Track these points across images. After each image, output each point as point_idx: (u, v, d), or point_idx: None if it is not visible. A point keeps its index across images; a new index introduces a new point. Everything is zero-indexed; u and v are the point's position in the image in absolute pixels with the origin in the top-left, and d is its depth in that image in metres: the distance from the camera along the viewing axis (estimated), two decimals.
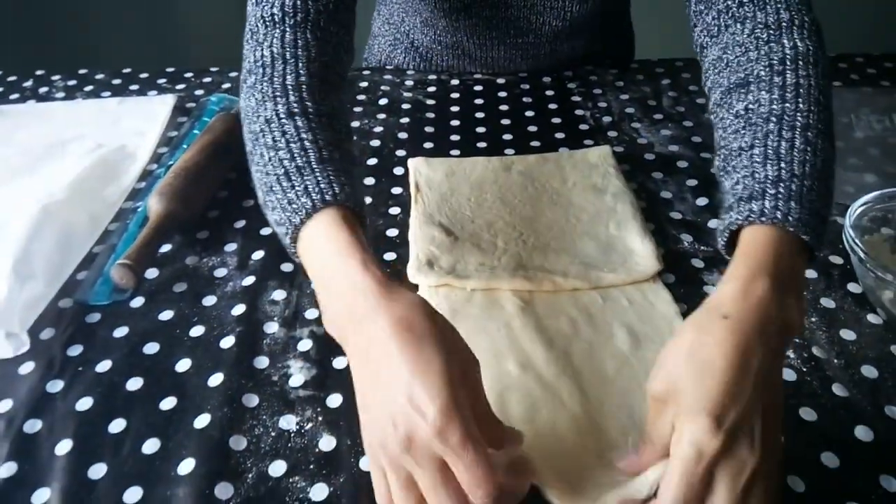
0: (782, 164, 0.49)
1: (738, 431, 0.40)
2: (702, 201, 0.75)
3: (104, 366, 0.59)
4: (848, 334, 0.60)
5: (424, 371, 0.41)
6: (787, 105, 0.52)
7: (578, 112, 0.90)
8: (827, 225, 0.49)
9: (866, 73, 0.98)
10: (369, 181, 0.79)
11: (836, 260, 0.67)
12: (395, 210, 0.75)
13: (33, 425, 0.54)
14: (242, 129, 0.59)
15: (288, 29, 0.59)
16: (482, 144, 0.84)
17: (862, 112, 0.88)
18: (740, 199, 0.49)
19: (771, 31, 0.57)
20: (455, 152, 0.82)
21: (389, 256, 0.69)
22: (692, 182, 0.78)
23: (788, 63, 0.54)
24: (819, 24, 0.58)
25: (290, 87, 0.56)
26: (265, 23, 0.60)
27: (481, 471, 0.40)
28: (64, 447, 0.52)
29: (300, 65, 0.58)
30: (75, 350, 0.60)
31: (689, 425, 0.41)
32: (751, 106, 0.54)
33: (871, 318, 0.61)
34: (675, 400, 0.42)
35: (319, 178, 0.51)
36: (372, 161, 0.81)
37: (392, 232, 0.72)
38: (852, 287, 0.64)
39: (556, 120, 0.88)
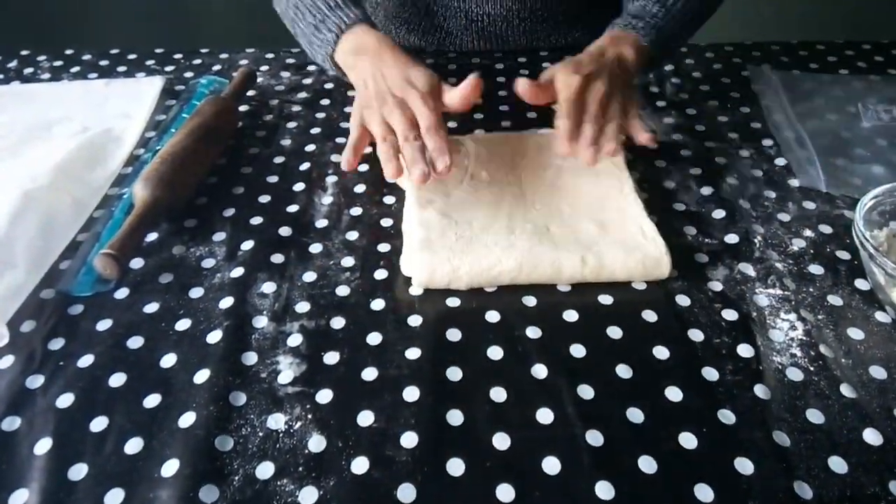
0: (663, 10, 0.78)
1: (592, 77, 0.69)
2: (706, 190, 0.73)
3: (86, 360, 0.56)
4: (856, 333, 0.58)
5: (418, 65, 0.71)
6: None
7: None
8: (669, 52, 0.84)
9: (874, 60, 0.95)
10: (363, 168, 0.77)
11: (844, 255, 0.65)
12: (389, 199, 0.72)
13: (12, 423, 0.52)
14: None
15: None
16: (479, 131, 0.81)
17: (869, 101, 0.86)
18: (628, 15, 0.78)
19: None
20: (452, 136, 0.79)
21: (384, 247, 0.67)
22: (696, 171, 0.76)
23: None
24: None
25: None
26: None
27: (445, 141, 0.66)
28: (43, 446, 0.50)
29: None
30: (56, 343, 0.58)
31: (560, 78, 0.69)
32: None
33: (880, 315, 0.59)
34: (549, 70, 0.71)
35: (335, 17, 0.77)
36: (366, 150, 0.79)
37: (386, 222, 0.70)
38: (860, 283, 0.62)
39: (532, 115, 0.86)
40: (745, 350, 0.56)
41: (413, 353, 0.56)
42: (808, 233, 0.68)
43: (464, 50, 1.00)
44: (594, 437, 0.50)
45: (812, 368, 0.55)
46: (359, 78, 0.74)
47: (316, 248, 0.67)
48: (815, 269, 0.64)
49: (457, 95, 0.69)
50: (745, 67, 0.94)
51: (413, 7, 0.99)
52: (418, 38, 1.02)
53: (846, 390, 0.53)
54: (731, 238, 0.67)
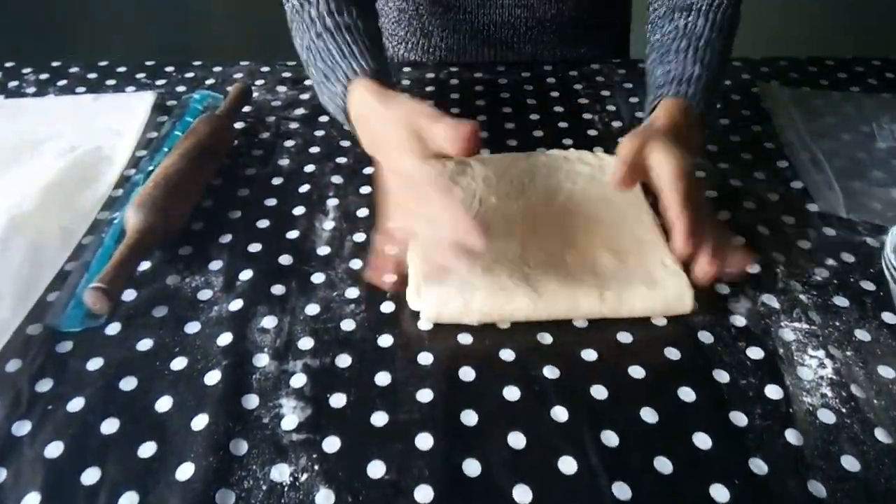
0: (704, 70, 0.70)
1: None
2: (723, 215, 0.70)
3: (76, 404, 0.53)
4: (887, 371, 0.55)
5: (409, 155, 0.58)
6: (713, 35, 0.73)
7: (586, 116, 0.85)
8: (713, 111, 0.77)
9: (885, 77, 0.93)
10: (365, 190, 0.74)
11: (868, 286, 0.63)
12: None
13: None
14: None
15: None
16: (485, 151, 0.78)
17: (883, 121, 0.84)
18: (672, 81, 0.69)
19: None
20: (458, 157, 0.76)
21: (390, 276, 0.63)
22: (711, 193, 0.73)
23: (721, 9, 0.74)
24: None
25: (315, 16, 0.72)
26: None
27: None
28: (31, 501, 0.47)
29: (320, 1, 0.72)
30: (45, 385, 0.54)
31: (663, 150, 0.59)
32: (690, 24, 0.74)
33: None
34: (642, 135, 0.61)
35: (344, 68, 0.67)
36: (368, 170, 0.76)
37: (391, 249, 0.66)
38: (887, 317, 0.60)
39: (563, 124, 0.83)
40: (773, 391, 0.54)
41: (425, 395, 0.53)
42: (830, 261, 0.65)
43: (468, 60, 0.97)
44: (621, 490, 0.47)
45: (844, 410, 0.53)
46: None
47: (318, 277, 0.63)
48: (840, 300, 0.61)
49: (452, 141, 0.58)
50: (754, 84, 0.91)
51: (409, 26, 0.97)
52: (417, 56, 0.99)
53: (881, 435, 0.51)
54: (752, 268, 0.64)
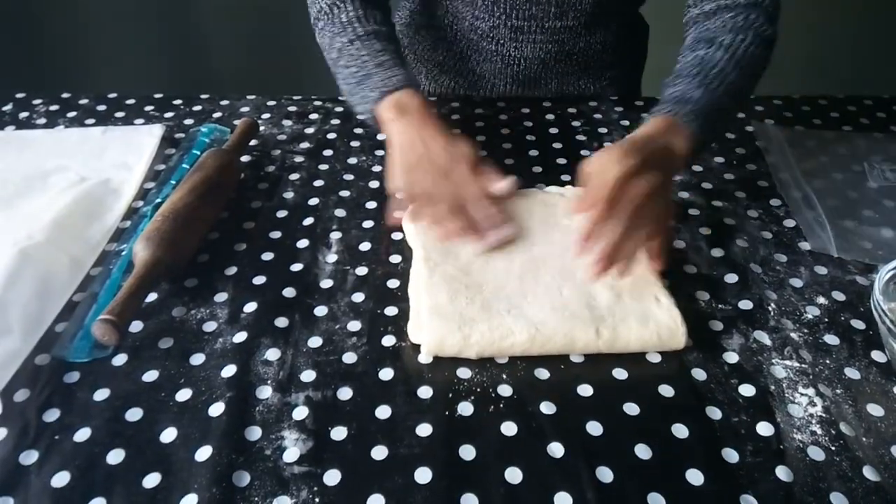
0: (706, 95, 0.71)
1: (633, 172, 0.62)
2: (717, 252, 0.72)
3: (83, 434, 0.54)
4: (875, 409, 0.57)
5: (460, 138, 0.72)
6: (729, 66, 0.74)
7: (584, 152, 0.87)
8: (712, 138, 0.78)
9: (876, 116, 0.95)
10: (368, 224, 0.75)
11: (858, 325, 0.64)
12: (395, 258, 0.71)
13: (4, 503, 0.50)
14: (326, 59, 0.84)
15: None
16: None
17: (874, 160, 0.86)
18: (670, 100, 0.71)
19: (747, 24, 0.78)
20: None
21: (391, 311, 0.65)
22: (705, 231, 0.75)
23: (744, 46, 0.76)
24: (776, 37, 0.80)
25: (346, 21, 0.81)
26: None
27: (493, 211, 0.69)
28: None
29: (349, 5, 0.81)
30: (52, 415, 0.56)
31: (596, 166, 0.63)
32: (707, 55, 0.75)
33: None
34: (590, 160, 0.65)
35: (381, 77, 0.76)
36: (371, 204, 0.78)
37: (393, 283, 0.68)
38: (876, 355, 0.61)
39: (562, 160, 0.85)
40: (764, 428, 0.55)
41: (424, 430, 0.54)
42: (821, 300, 0.67)
43: (494, 93, 1.00)
44: None
45: (833, 448, 0.54)
46: (400, 137, 0.72)
47: (321, 310, 0.65)
48: (831, 339, 0.63)
49: (500, 186, 0.70)
50: (748, 122, 0.93)
51: (447, 51, 0.99)
52: (450, 79, 1.01)
53: (869, 473, 0.52)
54: (745, 304, 0.66)
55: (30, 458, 0.52)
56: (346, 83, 0.79)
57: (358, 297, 0.66)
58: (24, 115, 0.93)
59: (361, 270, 0.69)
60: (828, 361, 0.61)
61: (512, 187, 0.70)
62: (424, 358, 0.60)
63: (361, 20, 0.80)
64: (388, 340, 0.62)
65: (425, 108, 0.74)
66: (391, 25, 0.84)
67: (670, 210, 0.69)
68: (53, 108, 0.94)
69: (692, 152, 0.69)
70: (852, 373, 0.60)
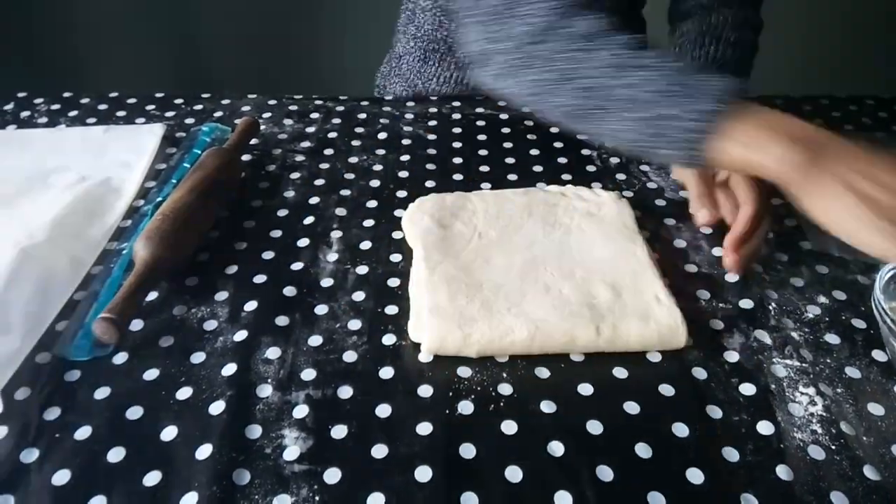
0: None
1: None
2: (717, 251, 0.72)
3: (84, 432, 0.54)
4: (876, 409, 0.57)
5: None
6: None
7: (585, 152, 0.87)
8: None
9: (878, 116, 0.95)
10: (368, 223, 0.75)
11: (859, 324, 0.64)
12: (396, 257, 0.71)
13: (5, 501, 0.50)
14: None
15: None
16: (486, 185, 0.80)
17: None
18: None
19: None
20: (458, 192, 0.78)
21: (391, 310, 0.65)
22: (706, 229, 0.75)
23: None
24: (762, 23, 0.88)
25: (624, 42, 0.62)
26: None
27: None
28: None
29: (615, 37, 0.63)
30: (53, 413, 0.56)
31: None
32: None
33: None
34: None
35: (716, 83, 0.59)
36: (371, 203, 0.78)
37: (393, 282, 0.68)
38: (877, 354, 0.61)
39: (563, 160, 0.85)
40: (765, 427, 0.55)
41: (424, 429, 0.54)
42: (822, 299, 0.67)
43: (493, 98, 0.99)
44: None
45: (833, 447, 0.54)
46: (840, 188, 0.55)
47: (322, 309, 0.65)
48: (832, 338, 0.63)
49: None
50: None
51: (441, 63, 0.99)
52: (450, 88, 1.01)
53: (869, 472, 0.52)
54: (746, 303, 0.66)
55: (30, 456, 0.52)
56: (637, 109, 0.60)
57: (358, 296, 0.66)
58: (25, 114, 0.93)
59: (362, 269, 0.69)
60: (828, 360, 0.61)
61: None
62: (425, 357, 0.60)
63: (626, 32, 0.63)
64: (389, 339, 0.62)
65: (808, 124, 0.58)
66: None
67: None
68: (55, 107, 0.94)
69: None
70: (853, 372, 0.60)
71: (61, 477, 0.51)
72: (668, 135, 0.59)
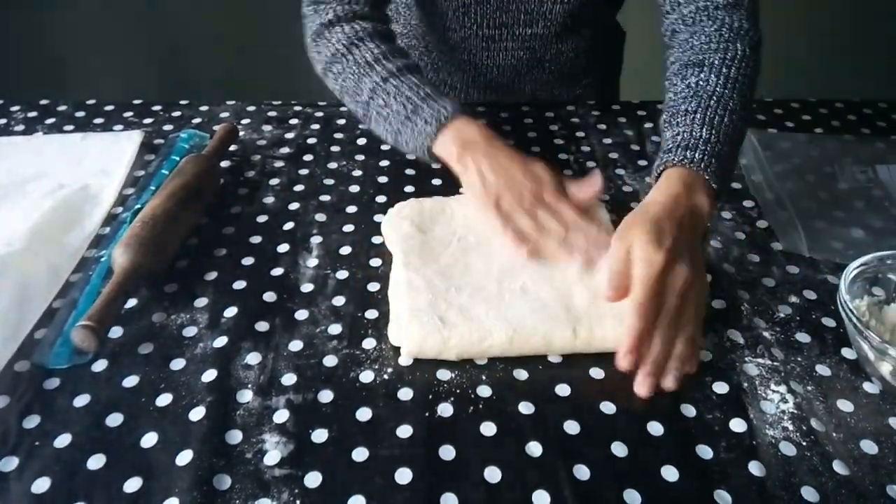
0: (713, 132, 0.68)
1: (674, 254, 0.59)
2: None
3: (63, 440, 0.54)
4: (845, 405, 0.58)
5: (533, 161, 0.72)
6: (726, 91, 0.71)
7: (562, 156, 0.88)
8: (730, 176, 0.71)
9: (847, 119, 0.97)
10: (348, 228, 0.76)
11: (829, 322, 0.66)
12: (376, 262, 0.71)
13: None
14: (346, 104, 0.82)
15: (345, 25, 0.80)
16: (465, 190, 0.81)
17: (845, 162, 0.88)
18: (679, 146, 0.67)
19: (732, 34, 0.76)
20: (437, 197, 0.79)
21: (371, 314, 0.65)
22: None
23: (735, 62, 0.74)
24: (762, 38, 0.78)
25: (372, 61, 0.77)
26: (326, 26, 0.81)
27: (591, 235, 0.67)
28: None
29: (369, 44, 0.79)
30: (32, 421, 0.56)
31: (639, 251, 0.59)
32: (701, 83, 0.73)
33: (868, 386, 0.60)
34: (626, 237, 0.61)
35: (431, 109, 0.74)
36: (351, 208, 0.78)
37: (373, 286, 0.69)
38: (846, 352, 0.63)
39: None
40: (737, 425, 0.56)
41: (405, 431, 0.55)
42: (793, 299, 0.68)
43: (469, 102, 1.00)
44: None
45: (804, 443, 0.55)
46: (475, 169, 0.71)
47: (302, 314, 0.65)
48: (803, 337, 0.64)
49: (586, 191, 0.71)
50: None
51: (419, 62, 0.99)
52: None
53: (839, 467, 0.53)
54: (719, 304, 0.67)
55: (10, 464, 0.52)
56: (389, 123, 0.76)
57: (338, 301, 0.67)
58: (1, 122, 0.92)
59: (342, 274, 0.70)
60: (799, 359, 0.62)
61: (599, 184, 0.71)
62: (405, 360, 0.61)
63: (388, 56, 0.78)
64: (369, 343, 0.63)
65: (487, 134, 0.73)
66: (408, 56, 0.82)
67: (703, 302, 0.62)
68: (32, 114, 0.94)
69: (715, 206, 0.67)
70: (823, 370, 0.61)
71: (41, 485, 0.51)
72: (408, 143, 0.75)
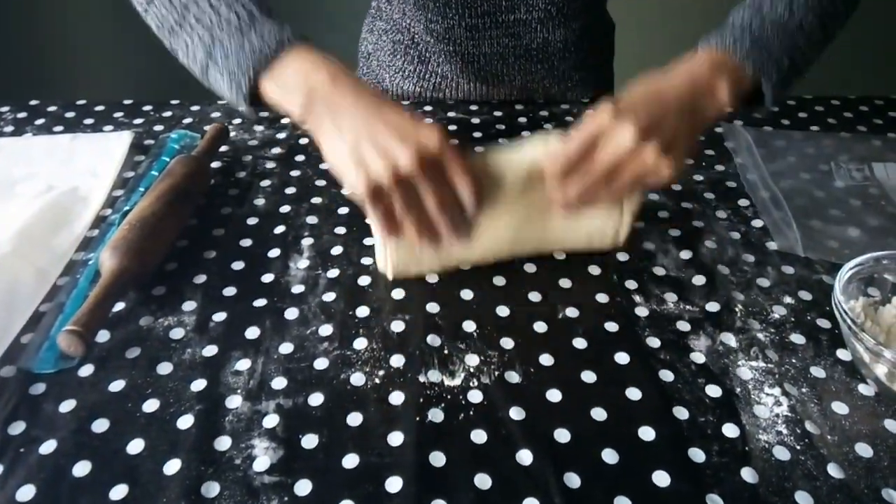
0: (761, 17, 0.65)
1: (625, 118, 0.59)
2: (685, 254, 0.72)
3: (49, 446, 0.53)
4: (840, 407, 0.58)
5: (420, 119, 0.59)
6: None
7: None
8: (784, 68, 0.66)
9: (843, 116, 0.97)
10: (340, 230, 0.75)
11: (824, 324, 0.65)
12: (367, 261, 0.71)
13: None
14: (155, 31, 0.68)
15: None
16: None
17: (841, 160, 0.87)
18: (722, 27, 0.66)
19: None
20: None
21: (362, 311, 0.65)
22: (675, 233, 0.75)
23: None
24: None
25: None
26: None
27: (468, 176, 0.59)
28: None
29: None
30: (17, 427, 0.55)
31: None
32: None
33: (863, 388, 0.59)
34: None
35: (273, 26, 0.61)
36: (343, 210, 0.77)
37: (364, 280, 0.68)
38: (841, 354, 0.62)
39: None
40: (730, 429, 0.55)
41: (395, 438, 0.54)
42: (787, 299, 0.67)
43: (460, 94, 0.99)
44: None
45: (798, 447, 0.54)
46: (332, 127, 0.59)
47: (292, 313, 0.65)
48: (797, 338, 0.64)
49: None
50: (718, 123, 0.94)
51: (406, 55, 0.99)
52: (413, 84, 1.01)
53: (833, 470, 0.53)
54: (713, 306, 0.66)
55: None
56: (210, 33, 0.61)
57: (329, 297, 0.66)
58: None
59: (333, 273, 0.69)
60: (794, 361, 0.62)
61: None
62: (396, 361, 0.60)
63: None
64: (360, 343, 0.62)
65: (343, 70, 0.61)
66: None
67: (665, 171, 0.60)
68: (21, 115, 0.93)
69: (738, 97, 0.64)
70: (818, 371, 0.61)
71: (26, 492, 0.50)
72: (225, 67, 0.61)
